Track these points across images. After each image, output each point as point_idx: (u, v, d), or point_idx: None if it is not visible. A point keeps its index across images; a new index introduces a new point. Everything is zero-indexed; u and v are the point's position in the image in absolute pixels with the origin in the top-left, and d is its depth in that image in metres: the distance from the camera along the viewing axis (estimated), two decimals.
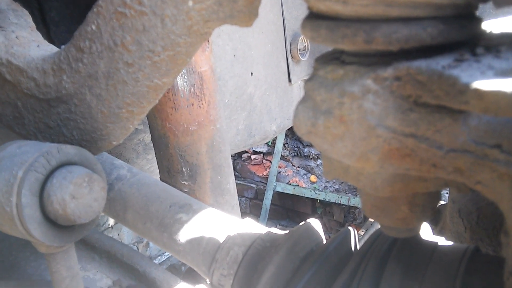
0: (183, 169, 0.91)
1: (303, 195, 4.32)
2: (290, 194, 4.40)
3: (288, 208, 4.60)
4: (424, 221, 0.43)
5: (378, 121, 0.35)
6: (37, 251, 0.62)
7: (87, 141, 0.63)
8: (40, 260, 0.86)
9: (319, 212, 4.42)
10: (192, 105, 0.89)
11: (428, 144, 0.33)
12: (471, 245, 0.47)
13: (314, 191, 4.26)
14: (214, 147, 0.93)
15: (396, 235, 0.44)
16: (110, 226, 2.27)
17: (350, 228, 0.57)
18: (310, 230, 0.59)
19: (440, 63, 0.32)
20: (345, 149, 0.38)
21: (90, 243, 0.91)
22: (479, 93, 0.27)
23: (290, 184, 4.43)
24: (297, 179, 4.53)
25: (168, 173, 0.93)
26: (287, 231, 0.60)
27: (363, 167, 0.39)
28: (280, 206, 4.59)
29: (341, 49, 0.39)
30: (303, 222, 0.61)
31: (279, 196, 4.51)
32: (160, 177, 0.98)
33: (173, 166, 0.92)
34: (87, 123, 0.62)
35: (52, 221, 0.57)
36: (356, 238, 0.57)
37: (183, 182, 0.92)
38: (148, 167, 1.21)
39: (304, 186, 4.45)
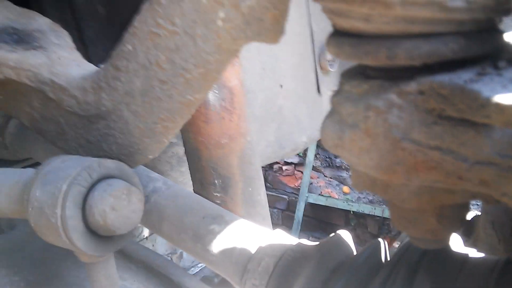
0: (215, 181, 0.93)
1: (336, 207, 4.27)
2: (322, 205, 4.35)
3: (321, 220, 4.55)
4: (453, 232, 0.43)
5: (403, 134, 0.36)
6: (78, 261, 0.66)
7: (125, 155, 0.66)
8: (81, 269, 0.90)
9: (352, 224, 4.35)
10: (223, 119, 0.92)
11: (453, 156, 0.34)
12: (503, 256, 0.47)
13: (347, 202, 4.21)
14: (245, 160, 0.95)
15: (425, 246, 0.44)
16: (145, 237, 2.32)
17: (380, 239, 0.58)
18: (340, 241, 0.59)
19: (462, 77, 0.33)
20: (371, 161, 0.39)
21: (127, 253, 0.94)
22: (500, 107, 0.28)
23: (323, 195, 4.40)
24: (329, 190, 4.49)
25: (201, 185, 0.96)
26: (318, 243, 0.61)
27: (390, 180, 0.39)
28: (313, 217, 4.55)
29: (364, 62, 0.40)
30: (333, 234, 0.61)
31: (311, 208, 4.48)
32: (193, 189, 1.01)
33: (206, 178, 0.94)
34: (125, 138, 0.65)
35: (93, 232, 0.60)
36: (386, 249, 0.57)
37: (215, 194, 0.94)
38: (181, 179, 1.24)
39: (336, 197, 4.40)
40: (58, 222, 0.56)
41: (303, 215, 4.40)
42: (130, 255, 0.94)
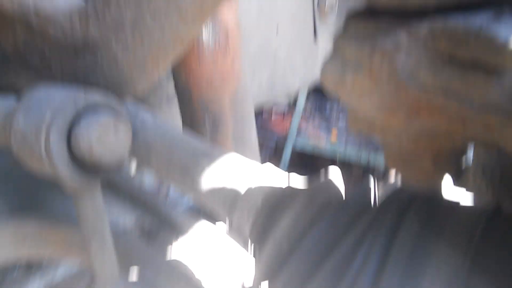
0: (206, 122, 0.92)
1: (323, 153, 4.33)
2: (309, 152, 4.41)
3: (307, 166, 4.62)
4: (446, 175, 0.44)
5: (409, 76, 0.34)
6: (61, 191, 0.65)
7: (112, 89, 0.63)
8: (68, 199, 0.89)
9: None
10: (217, 59, 0.88)
11: (459, 101, 0.33)
12: (493, 203, 0.48)
13: (333, 149, 4.26)
14: (237, 101, 0.93)
15: (417, 187, 0.45)
16: (133, 172, 2.32)
17: (371, 179, 0.57)
18: (330, 180, 0.59)
19: (478, 20, 0.31)
20: (372, 104, 0.38)
21: (114, 185, 0.94)
22: None
23: (310, 143, 4.44)
24: (317, 137, 4.52)
25: (191, 126, 0.94)
26: (307, 181, 0.61)
27: (389, 123, 0.39)
28: (299, 163, 4.61)
29: (374, 4, 0.37)
30: (322, 172, 0.61)
31: (298, 154, 4.53)
32: (183, 129, 0.99)
33: (196, 119, 0.93)
34: (113, 72, 0.62)
35: (79, 163, 0.59)
36: (376, 190, 0.56)
37: (205, 133, 0.93)
38: (172, 118, 1.22)
39: (324, 144, 4.44)
40: (42, 152, 0.55)
41: (290, 162, 4.45)
42: (118, 187, 0.94)
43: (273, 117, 4.67)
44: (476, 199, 0.53)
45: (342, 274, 0.47)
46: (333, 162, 4.37)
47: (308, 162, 4.56)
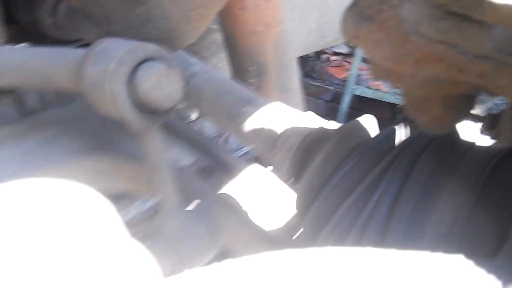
0: (251, 68, 0.97)
1: (383, 100, 4.22)
2: (369, 98, 4.31)
3: (367, 113, 4.52)
4: (459, 121, 0.47)
5: (413, 28, 0.38)
6: (129, 134, 0.75)
7: (164, 40, 0.71)
8: (133, 140, 1.00)
9: (398, 118, 4.32)
10: (259, 6, 0.92)
11: (456, 50, 0.36)
12: (509, 145, 0.50)
13: (395, 95, 4.13)
14: (279, 48, 0.97)
15: (432, 131, 0.49)
16: (192, 120, 2.45)
17: (396, 126, 0.61)
18: (360, 126, 0.64)
19: None
20: (384, 53, 0.42)
21: (174, 130, 1.04)
22: (493, 6, 0.30)
23: (370, 88, 4.32)
24: (377, 83, 4.40)
25: (237, 71, 1.00)
26: (339, 126, 0.66)
27: (400, 70, 0.43)
28: (358, 110, 4.54)
29: None
30: (357, 119, 0.66)
31: (358, 100, 4.44)
32: (231, 75, 1.06)
33: (241, 65, 0.98)
34: (164, 24, 0.69)
35: (139, 106, 0.68)
36: (402, 135, 0.61)
37: (250, 80, 0.99)
38: (221, 65, 1.28)
39: (384, 90, 4.32)
40: (108, 97, 0.64)
41: (350, 106, 4.39)
42: (176, 131, 1.03)
43: (332, 61, 4.58)
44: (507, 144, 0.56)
45: (361, 208, 0.53)
46: (394, 107, 4.25)
47: (368, 107, 4.47)
